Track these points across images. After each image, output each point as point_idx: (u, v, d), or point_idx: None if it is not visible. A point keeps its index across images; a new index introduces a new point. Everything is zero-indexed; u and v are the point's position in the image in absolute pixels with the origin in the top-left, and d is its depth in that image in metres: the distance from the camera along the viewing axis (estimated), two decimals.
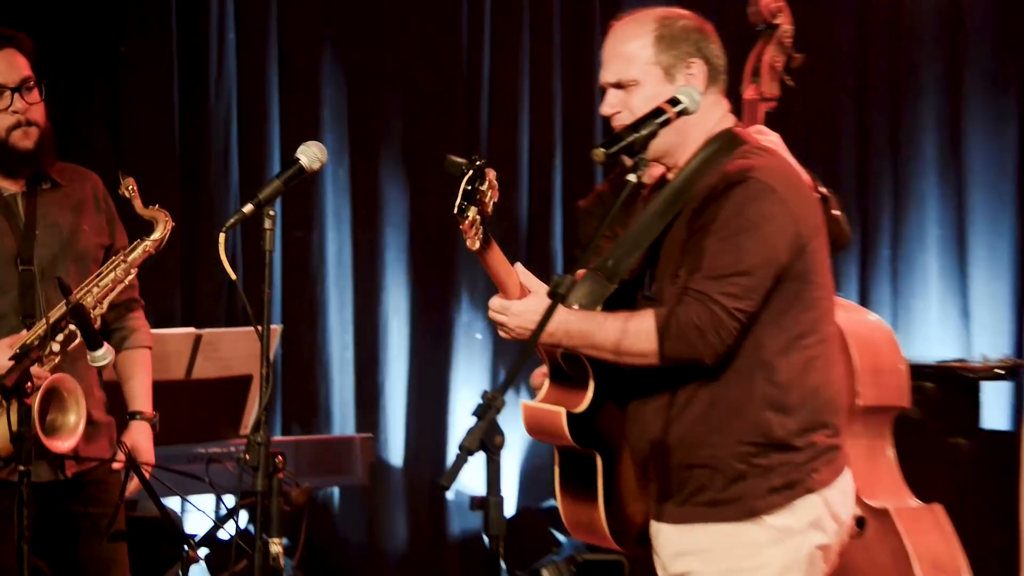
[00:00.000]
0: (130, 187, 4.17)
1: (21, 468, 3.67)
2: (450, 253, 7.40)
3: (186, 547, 4.05)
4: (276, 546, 3.28)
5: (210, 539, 4.42)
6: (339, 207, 7.31)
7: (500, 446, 2.82)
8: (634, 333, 3.22)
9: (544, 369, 3.55)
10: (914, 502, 4.63)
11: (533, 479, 7.35)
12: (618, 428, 3.42)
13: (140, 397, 4.30)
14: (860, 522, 4.48)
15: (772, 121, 4.47)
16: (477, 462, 2.85)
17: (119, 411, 4.34)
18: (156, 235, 4.20)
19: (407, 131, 7.40)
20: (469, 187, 3.15)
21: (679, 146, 3.35)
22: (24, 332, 4.06)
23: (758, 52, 4.55)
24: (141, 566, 4.45)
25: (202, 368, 5.61)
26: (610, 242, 3.49)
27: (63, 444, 4.01)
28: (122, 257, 4.19)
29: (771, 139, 4.18)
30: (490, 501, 2.85)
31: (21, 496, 3.66)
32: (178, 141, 7.01)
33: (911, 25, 7.64)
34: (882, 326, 4.76)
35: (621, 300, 3.34)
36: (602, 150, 3.15)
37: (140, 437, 4.24)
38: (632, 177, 3.08)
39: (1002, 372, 6.34)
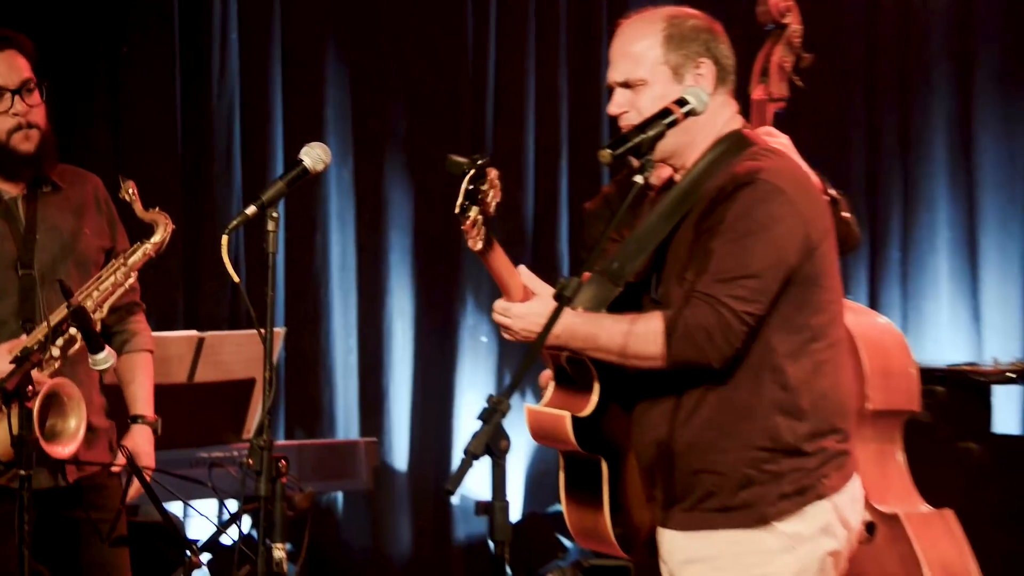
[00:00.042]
0: (130, 190, 4.16)
1: (22, 472, 3.67)
2: (455, 255, 7.40)
3: (188, 552, 4.05)
4: (279, 551, 3.28)
5: (213, 544, 4.41)
6: (343, 209, 7.32)
7: (506, 450, 2.81)
8: (640, 335, 3.22)
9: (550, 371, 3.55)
10: (924, 507, 4.62)
11: (539, 484, 7.35)
12: (624, 432, 3.41)
13: (141, 401, 4.30)
14: (870, 527, 4.48)
15: (781, 122, 4.47)
16: (482, 466, 2.85)
17: (120, 415, 4.34)
18: (156, 238, 4.19)
19: (412, 132, 7.41)
20: (471, 187, 3.15)
21: (687, 147, 3.34)
22: (24, 337, 4.06)
23: (767, 52, 4.54)
24: (143, 571, 4.44)
25: (204, 371, 5.61)
26: (616, 244, 3.49)
27: (63, 450, 4.00)
28: (122, 260, 4.19)
29: (781, 141, 4.18)
30: (495, 506, 2.85)
31: (21, 501, 3.66)
32: (180, 141, 7.02)
33: (921, 24, 7.64)
34: (892, 329, 4.75)
35: (627, 303, 3.33)
36: (608, 151, 3.15)
37: (141, 441, 4.24)
38: (639, 179, 3.08)
39: (1013, 376, 6.34)
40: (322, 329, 7.25)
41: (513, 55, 7.53)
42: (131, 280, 4.19)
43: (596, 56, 7.38)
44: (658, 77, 3.32)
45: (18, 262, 4.17)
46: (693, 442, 3.28)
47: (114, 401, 4.35)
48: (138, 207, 4.18)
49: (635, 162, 3.16)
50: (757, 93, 4.50)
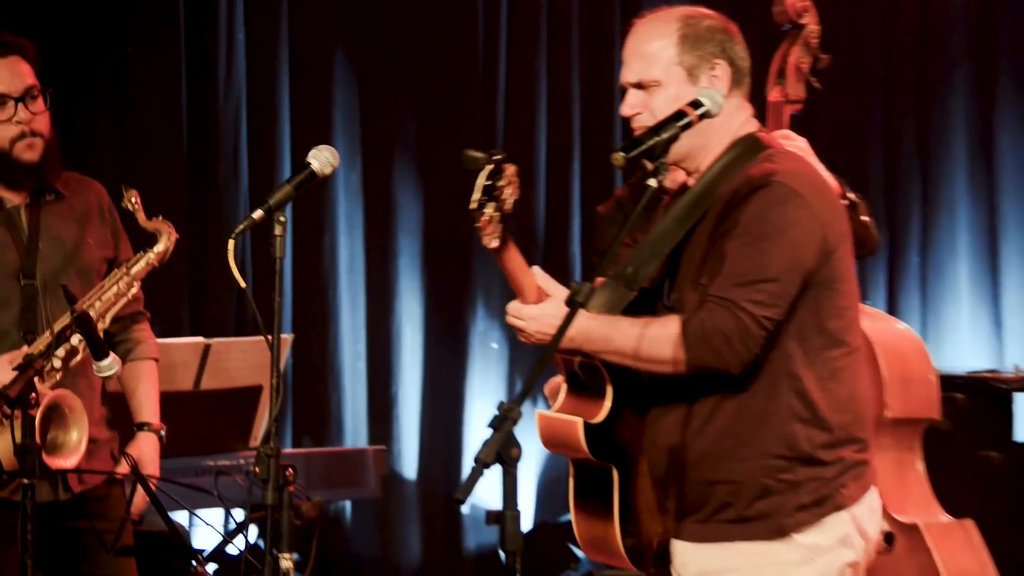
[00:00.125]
0: (133, 199, 4.16)
1: (25, 481, 3.67)
2: (465, 259, 7.40)
3: (194, 562, 4.05)
4: (287, 561, 3.28)
5: (219, 554, 4.42)
6: (351, 212, 7.32)
7: (517, 458, 2.81)
8: (657, 338, 3.21)
9: (560, 378, 3.55)
10: (944, 517, 4.62)
11: (551, 492, 7.35)
12: (636, 440, 3.40)
13: (147, 409, 4.30)
14: (889, 538, 4.47)
15: (797, 124, 4.47)
16: (493, 475, 2.85)
17: (124, 424, 4.34)
18: (160, 247, 4.19)
19: (421, 134, 7.41)
20: (488, 182, 3.15)
21: (701, 150, 3.34)
22: (25, 348, 4.06)
23: (783, 53, 4.54)
24: None
25: (210, 378, 5.61)
26: (629, 249, 3.48)
27: (65, 463, 4.00)
28: (125, 270, 4.18)
29: (797, 144, 4.18)
30: (506, 515, 2.85)
31: (25, 510, 3.66)
32: (186, 143, 7.02)
33: (940, 24, 7.64)
34: (911, 335, 4.75)
35: (640, 309, 3.33)
36: (622, 154, 3.14)
37: (146, 449, 4.24)
38: (652, 182, 3.07)
39: None
40: (330, 334, 7.25)
41: (524, 56, 7.54)
42: (134, 290, 4.18)
43: (609, 57, 7.38)
44: (672, 78, 3.32)
45: (20, 272, 4.17)
46: (708, 451, 3.28)
47: (118, 410, 4.35)
48: (141, 216, 4.17)
49: (649, 165, 3.16)
50: (773, 95, 4.50)
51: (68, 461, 4.01)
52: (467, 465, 7.31)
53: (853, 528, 3.29)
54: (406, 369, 7.36)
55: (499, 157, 3.14)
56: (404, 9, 7.37)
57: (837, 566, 3.27)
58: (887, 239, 7.39)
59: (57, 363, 4.01)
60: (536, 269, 3.36)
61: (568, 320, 2.96)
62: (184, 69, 7.01)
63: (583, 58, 7.58)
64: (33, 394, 3.71)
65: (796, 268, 3.21)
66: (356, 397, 7.30)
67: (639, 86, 3.34)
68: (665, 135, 3.15)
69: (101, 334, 4.02)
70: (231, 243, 3.30)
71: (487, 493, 6.92)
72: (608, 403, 3.38)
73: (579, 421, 3.37)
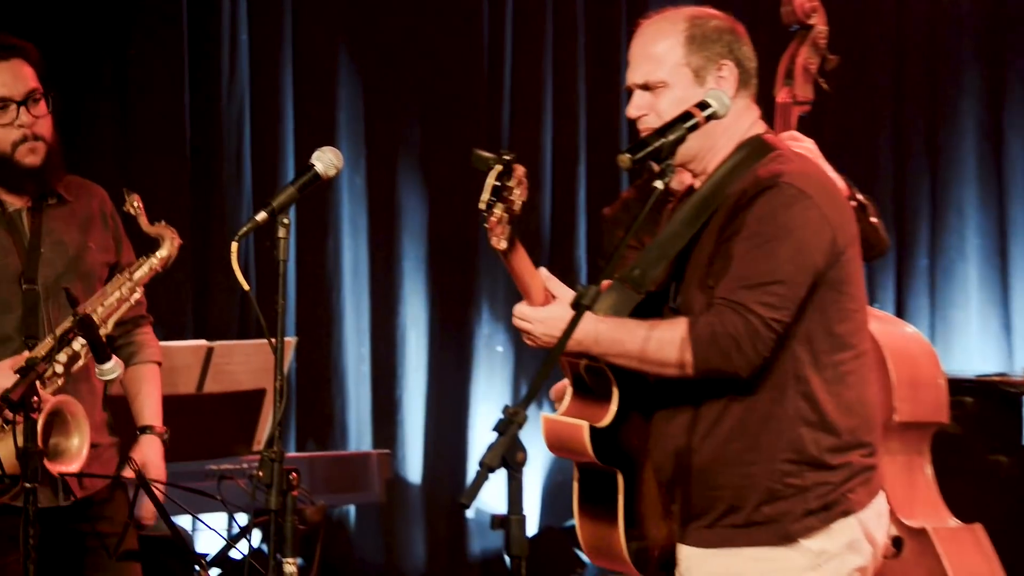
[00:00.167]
0: (135, 204, 4.15)
1: (27, 485, 3.67)
2: (470, 262, 7.40)
3: (197, 567, 4.05)
4: (290, 566, 3.28)
5: (222, 559, 4.42)
6: (355, 215, 7.32)
7: (522, 463, 2.81)
8: (666, 341, 3.21)
9: (567, 381, 3.54)
10: (953, 522, 4.61)
11: (556, 497, 7.34)
12: (641, 444, 3.40)
13: (149, 412, 4.29)
14: (898, 542, 4.47)
15: (805, 125, 4.46)
16: (498, 479, 2.85)
17: (126, 429, 4.34)
18: (163, 253, 4.18)
19: (426, 136, 7.41)
20: (497, 183, 3.14)
21: (708, 152, 3.34)
22: (27, 353, 4.06)
23: (791, 53, 4.54)
24: None
25: (214, 382, 5.61)
26: (636, 251, 3.48)
27: (66, 469, 4.01)
28: (128, 275, 4.17)
29: (805, 146, 4.17)
30: (511, 520, 2.84)
31: (27, 514, 3.67)
32: (189, 145, 7.03)
33: (949, 25, 7.63)
34: (920, 339, 4.75)
35: (646, 312, 3.33)
36: (628, 156, 3.14)
37: (150, 452, 4.24)
38: (659, 184, 3.07)
39: None
40: (334, 338, 7.25)
41: (529, 57, 7.54)
42: (137, 295, 4.18)
43: (615, 58, 7.38)
44: (679, 79, 3.31)
45: (22, 276, 4.16)
46: (714, 455, 3.27)
47: (119, 415, 4.35)
48: (143, 221, 4.17)
49: (655, 167, 3.16)
50: (781, 96, 4.49)
51: (70, 467, 4.01)
52: (472, 469, 7.31)
53: (861, 533, 3.28)
54: (410, 372, 7.36)
55: (509, 157, 3.14)
56: (408, 10, 7.37)
57: (845, 572, 3.26)
58: (896, 241, 7.38)
59: (59, 368, 4.01)
60: (543, 271, 3.36)
61: (574, 323, 2.96)
62: (187, 70, 7.01)
63: (589, 59, 7.58)
64: (35, 398, 3.71)
65: (805, 270, 3.21)
66: (360, 401, 7.30)
67: (645, 87, 3.34)
68: (672, 137, 3.15)
69: (103, 339, 4.02)
70: (234, 245, 3.30)
71: (492, 497, 6.92)
72: (614, 407, 3.38)
73: (585, 425, 3.37)
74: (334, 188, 7.22)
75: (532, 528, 7.27)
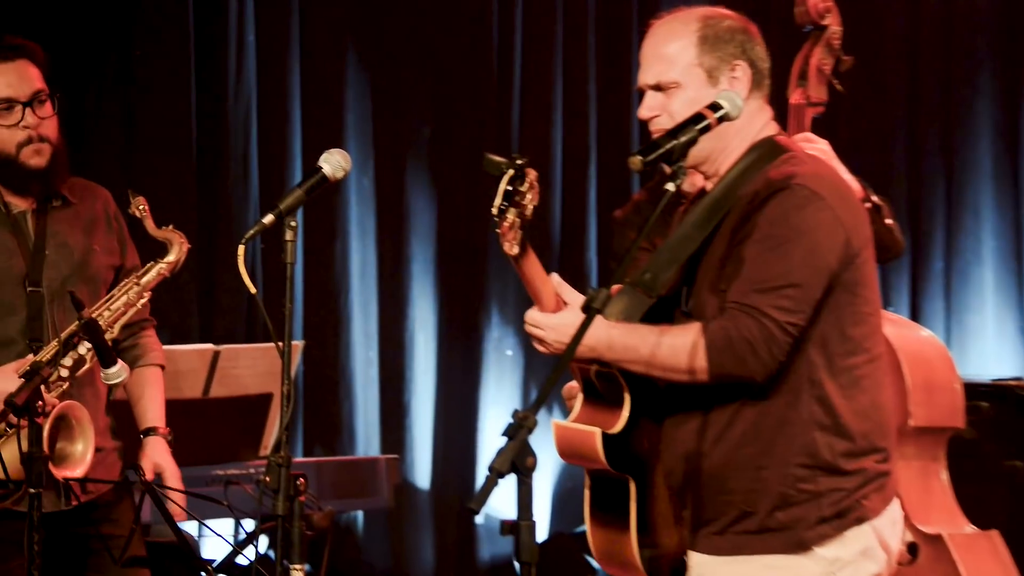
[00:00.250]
0: (141, 206, 4.15)
1: (32, 491, 3.68)
2: (479, 265, 7.40)
3: (203, 573, 4.06)
4: (298, 572, 3.28)
5: (229, 565, 4.42)
6: (363, 217, 7.33)
7: (532, 468, 2.81)
8: (680, 347, 3.20)
9: (575, 383, 3.54)
10: (969, 528, 4.61)
11: (566, 502, 7.34)
12: (652, 449, 3.40)
13: (153, 414, 4.29)
14: (913, 548, 4.46)
15: (819, 126, 4.46)
16: (508, 484, 2.85)
17: (129, 432, 4.34)
18: (171, 257, 4.19)
19: (434, 137, 7.42)
20: (509, 187, 3.14)
21: (720, 153, 3.34)
22: (31, 356, 4.06)
23: (805, 54, 4.53)
24: None
25: (220, 386, 5.62)
26: (647, 254, 3.48)
27: (71, 474, 4.01)
28: (135, 280, 4.18)
29: (819, 147, 4.17)
30: (521, 525, 2.84)
31: (31, 520, 3.67)
32: (195, 146, 7.04)
33: (965, 25, 7.62)
34: (935, 342, 4.74)
35: (657, 316, 3.32)
36: (639, 158, 3.14)
37: (162, 457, 4.23)
38: (670, 186, 3.07)
39: None
40: (342, 342, 7.25)
41: (540, 57, 7.54)
42: (144, 300, 4.19)
43: (626, 59, 7.38)
44: (691, 80, 3.31)
45: (26, 279, 4.17)
46: (726, 459, 3.27)
47: (123, 419, 4.35)
48: (150, 224, 4.17)
49: (667, 169, 3.15)
50: (795, 97, 4.49)
51: (74, 472, 4.02)
52: (481, 474, 7.31)
53: (875, 541, 3.28)
54: (419, 377, 7.36)
55: (521, 162, 3.13)
56: (417, 10, 7.38)
57: None
58: (910, 243, 7.37)
59: (64, 372, 4.01)
60: (555, 277, 3.35)
61: (584, 327, 2.95)
62: (193, 71, 7.02)
63: (599, 60, 7.58)
64: (40, 402, 3.71)
65: (820, 272, 3.21)
66: (368, 405, 7.30)
67: (657, 88, 3.34)
68: (683, 138, 3.15)
69: (109, 343, 4.02)
70: (241, 248, 3.30)
71: (501, 503, 6.92)
72: (626, 412, 3.38)
73: (597, 432, 3.37)
74: (342, 190, 7.23)
75: (542, 534, 7.27)
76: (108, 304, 4.14)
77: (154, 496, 4.09)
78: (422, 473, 7.35)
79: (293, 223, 3.33)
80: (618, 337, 3.23)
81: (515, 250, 3.22)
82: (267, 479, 3.25)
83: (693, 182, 3.51)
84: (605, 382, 3.42)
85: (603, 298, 2.94)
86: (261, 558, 4.19)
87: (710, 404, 3.28)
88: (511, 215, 3.16)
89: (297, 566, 3.28)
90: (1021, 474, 6.10)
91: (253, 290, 3.35)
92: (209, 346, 5.70)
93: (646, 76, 3.35)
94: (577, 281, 3.42)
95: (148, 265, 4.21)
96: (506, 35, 7.51)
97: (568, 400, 3.66)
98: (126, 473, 4.30)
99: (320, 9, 7.27)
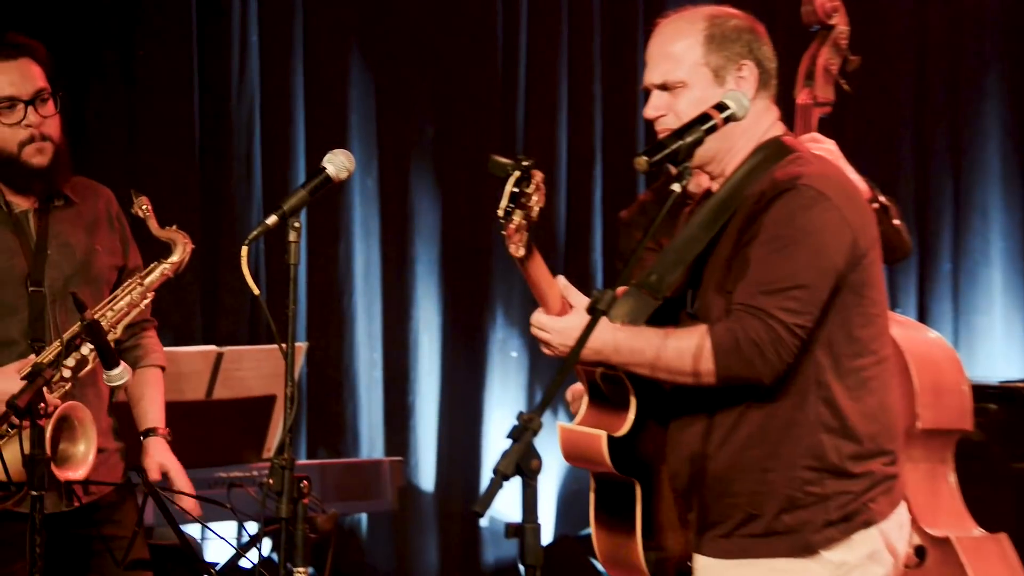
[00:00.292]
0: (144, 206, 4.15)
1: (34, 493, 3.68)
2: (484, 266, 7.40)
3: None
4: (301, 575, 3.28)
5: (232, 568, 4.42)
6: (367, 218, 7.33)
7: (537, 470, 2.81)
8: (687, 350, 3.20)
9: (580, 386, 3.54)
10: (977, 531, 4.60)
11: (571, 505, 7.34)
12: (658, 452, 3.40)
13: (153, 415, 4.29)
14: (920, 552, 4.46)
15: (826, 126, 4.46)
16: (513, 487, 2.85)
17: (130, 433, 4.34)
18: (175, 258, 4.19)
19: (439, 138, 7.41)
20: (515, 189, 3.14)
21: (726, 154, 3.33)
22: (33, 357, 4.06)
23: (812, 54, 4.53)
24: None
25: (223, 388, 5.62)
26: (653, 254, 3.48)
27: (73, 474, 4.01)
28: (138, 280, 4.18)
29: (826, 147, 4.17)
30: (526, 528, 2.84)
31: (33, 522, 3.67)
32: (198, 147, 7.03)
33: (973, 25, 7.62)
34: (943, 344, 4.73)
35: (663, 317, 3.32)
36: (645, 158, 3.14)
37: (166, 456, 4.23)
38: (676, 187, 3.06)
39: None
40: (345, 343, 7.25)
41: (545, 57, 7.53)
42: (147, 301, 4.19)
43: (631, 59, 7.37)
44: (698, 79, 3.31)
45: (28, 279, 4.17)
46: (732, 461, 3.27)
47: (125, 420, 4.36)
48: (153, 224, 4.17)
49: (672, 169, 3.15)
50: (802, 97, 4.49)
51: (76, 473, 4.02)
52: (486, 477, 7.31)
53: (882, 544, 3.28)
54: (423, 378, 7.36)
55: (527, 163, 3.13)
56: (421, 9, 7.37)
57: None
58: (918, 244, 7.37)
59: (67, 373, 4.02)
60: (561, 279, 3.35)
61: (589, 328, 2.95)
62: (196, 71, 7.01)
63: (604, 59, 7.58)
64: (42, 404, 3.71)
65: (826, 274, 3.20)
66: (372, 407, 7.30)
67: (663, 87, 3.33)
68: (689, 139, 3.14)
69: (112, 344, 4.03)
70: (244, 249, 3.31)
71: (506, 505, 6.89)
72: (632, 415, 3.37)
73: (603, 435, 3.37)
74: (345, 191, 7.23)
75: (547, 537, 7.26)
76: (111, 304, 4.15)
77: (157, 498, 4.09)
78: (426, 475, 7.35)
79: (297, 224, 3.33)
80: (624, 340, 3.23)
81: (521, 252, 3.22)
82: (270, 481, 3.25)
83: (699, 183, 3.50)
84: (611, 384, 3.41)
85: (608, 300, 2.94)
86: (264, 561, 4.19)
87: (716, 406, 3.28)
88: (517, 217, 3.16)
89: (300, 569, 3.27)
90: None
91: (256, 291, 3.35)
92: (212, 348, 5.70)
93: (652, 75, 3.35)
94: (582, 282, 3.42)
95: (152, 265, 4.21)
96: (511, 34, 7.51)
97: (571, 404, 3.66)
98: (128, 474, 4.31)
99: (324, 9, 7.27)
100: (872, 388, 3.28)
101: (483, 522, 7.32)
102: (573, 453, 3.47)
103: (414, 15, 7.36)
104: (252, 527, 4.93)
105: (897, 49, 7.60)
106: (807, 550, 3.23)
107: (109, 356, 3.92)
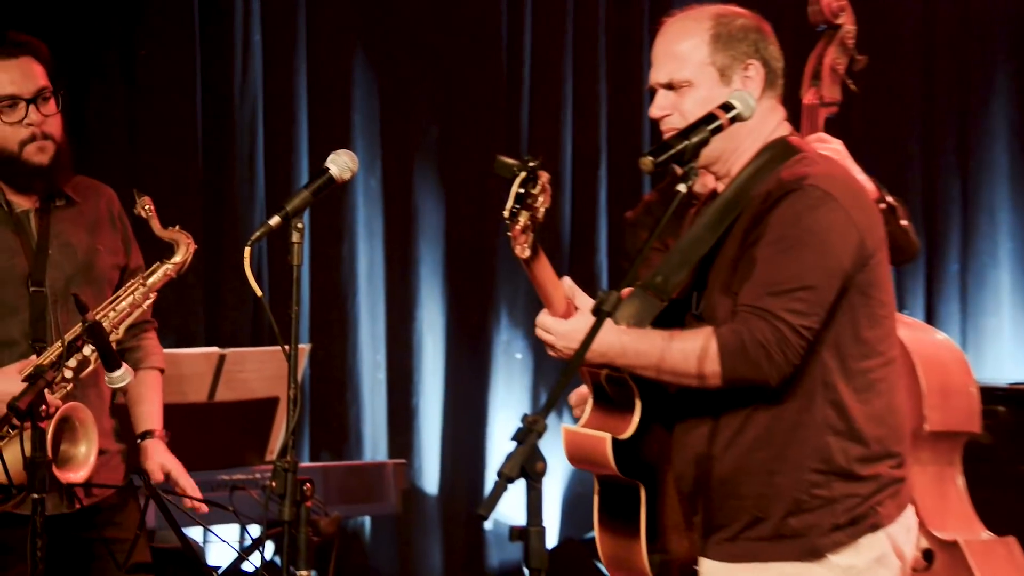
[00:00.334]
0: (147, 207, 4.15)
1: (35, 496, 3.68)
2: (488, 267, 7.40)
3: None
4: None
5: (234, 571, 4.42)
6: (371, 219, 7.32)
7: (542, 473, 2.81)
8: (693, 353, 3.19)
9: (584, 389, 3.54)
10: (986, 534, 4.60)
11: (576, 508, 7.34)
12: (663, 454, 3.39)
13: (151, 418, 4.29)
14: (928, 555, 4.45)
15: (833, 127, 4.46)
16: (517, 490, 2.84)
17: (131, 436, 4.34)
18: (177, 258, 4.19)
19: (443, 138, 7.41)
20: (521, 190, 3.14)
21: (731, 154, 3.33)
22: (34, 357, 4.07)
23: (819, 54, 4.53)
24: None
25: (226, 390, 5.62)
26: (660, 254, 3.47)
27: (74, 476, 4.02)
28: (140, 280, 4.18)
29: (833, 147, 4.17)
30: (531, 531, 2.84)
31: (35, 525, 3.67)
32: (201, 147, 7.03)
33: (980, 24, 7.61)
34: (950, 346, 4.73)
35: (668, 318, 3.32)
36: (650, 159, 3.14)
37: (166, 459, 4.23)
38: (682, 187, 3.06)
39: None
40: (349, 345, 7.25)
41: (549, 56, 7.53)
42: (149, 301, 4.19)
43: (637, 58, 7.37)
44: (704, 79, 3.31)
45: (29, 279, 4.17)
46: (738, 464, 3.26)
47: (126, 421, 4.36)
48: (156, 224, 4.17)
49: (678, 170, 3.15)
50: (808, 97, 4.49)
51: (77, 474, 4.02)
52: (490, 479, 7.30)
53: (889, 548, 3.27)
54: (427, 380, 7.36)
55: (534, 164, 3.12)
56: (425, 8, 7.37)
57: None
58: (925, 245, 7.36)
59: (68, 374, 4.02)
60: (567, 281, 3.34)
61: (594, 330, 2.95)
62: (198, 71, 7.01)
63: (610, 59, 7.57)
64: (43, 406, 3.71)
65: (833, 275, 3.20)
66: (375, 409, 7.30)
67: (669, 87, 3.33)
68: (695, 139, 3.14)
69: (114, 345, 4.03)
70: (247, 250, 3.30)
71: (511, 508, 6.92)
72: (637, 417, 3.37)
73: (607, 437, 3.36)
74: (349, 191, 7.22)
75: (552, 540, 7.26)
76: (113, 305, 4.15)
77: (159, 501, 4.09)
78: (430, 478, 7.34)
79: (300, 225, 3.33)
80: (628, 343, 3.23)
81: (526, 253, 3.22)
82: (273, 484, 3.25)
83: (704, 183, 3.50)
84: (615, 386, 3.41)
85: (613, 301, 2.94)
86: (267, 564, 4.19)
87: (722, 408, 3.27)
88: (523, 218, 3.15)
89: (303, 572, 3.27)
90: None
91: (259, 292, 3.35)
92: (215, 349, 5.70)
93: (658, 74, 3.35)
94: (588, 283, 3.41)
95: (154, 266, 4.21)
96: (515, 33, 7.50)
97: (574, 408, 3.66)
98: (130, 477, 4.31)
99: (327, 9, 7.27)
100: (879, 390, 3.27)
101: (487, 525, 7.32)
102: (577, 456, 3.47)
103: (418, 14, 7.36)
104: (255, 530, 4.93)
105: (904, 48, 7.59)
106: (814, 554, 3.23)
107: (111, 358, 3.92)
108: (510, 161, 3.14)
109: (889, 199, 4.24)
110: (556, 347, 3.30)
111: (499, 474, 2.76)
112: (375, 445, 7.28)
